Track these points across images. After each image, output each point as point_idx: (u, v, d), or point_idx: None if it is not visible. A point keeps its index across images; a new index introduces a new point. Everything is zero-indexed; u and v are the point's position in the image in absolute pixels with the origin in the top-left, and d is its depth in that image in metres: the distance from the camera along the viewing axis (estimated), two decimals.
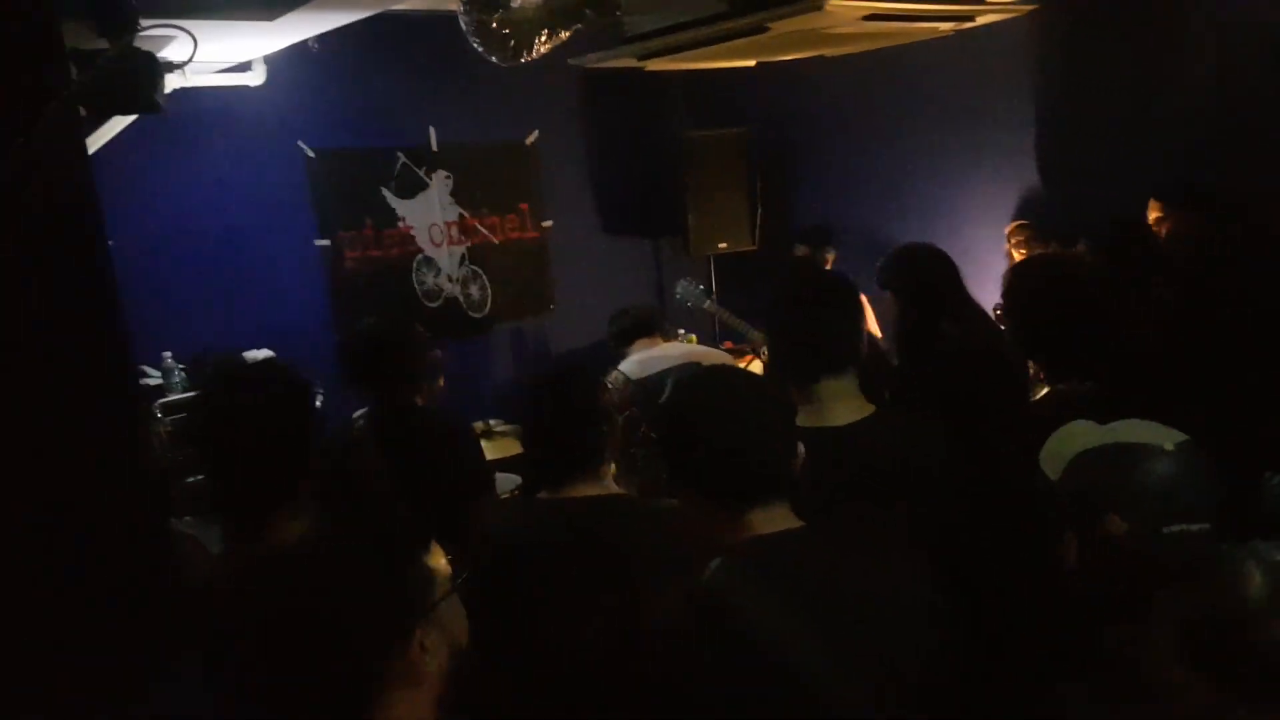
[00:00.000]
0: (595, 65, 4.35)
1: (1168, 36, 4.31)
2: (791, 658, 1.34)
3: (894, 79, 5.33)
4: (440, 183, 5.54)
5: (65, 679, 1.36)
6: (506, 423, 4.28)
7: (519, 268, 5.93)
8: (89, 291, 1.44)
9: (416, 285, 5.50)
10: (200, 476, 1.82)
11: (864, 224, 5.70)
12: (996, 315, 3.25)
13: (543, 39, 3.51)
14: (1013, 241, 4.77)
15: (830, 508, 1.61)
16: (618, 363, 4.88)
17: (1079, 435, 1.43)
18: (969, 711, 1.60)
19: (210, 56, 3.77)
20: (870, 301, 3.14)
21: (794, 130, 6.17)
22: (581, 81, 5.94)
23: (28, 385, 1.37)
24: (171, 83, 3.31)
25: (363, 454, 2.82)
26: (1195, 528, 1.25)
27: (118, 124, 3.53)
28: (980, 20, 4.14)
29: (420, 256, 5.51)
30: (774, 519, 1.49)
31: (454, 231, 5.63)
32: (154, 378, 4.18)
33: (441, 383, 3.00)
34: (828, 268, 5.43)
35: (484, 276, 5.77)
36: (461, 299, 5.69)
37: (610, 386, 2.68)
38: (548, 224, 6.03)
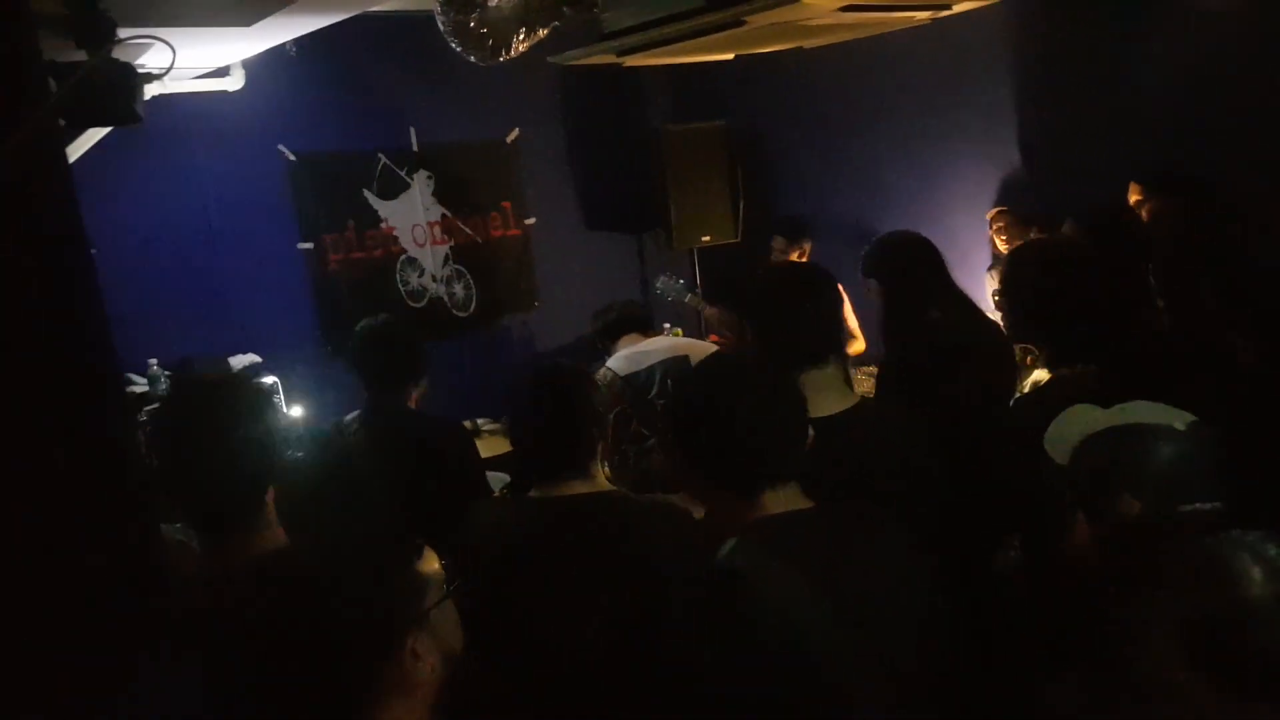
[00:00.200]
0: (574, 62, 4.34)
1: (1144, 21, 4.34)
2: (806, 631, 1.37)
3: (873, 69, 5.34)
4: (422, 183, 5.53)
5: (56, 682, 1.36)
6: (494, 421, 4.29)
7: (503, 266, 5.93)
8: (73, 301, 1.44)
9: (401, 286, 5.49)
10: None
11: (846, 213, 5.73)
12: (995, 302, 3.26)
13: (521, 37, 3.51)
14: (994, 228, 4.80)
15: (817, 498, 1.63)
16: (603, 358, 4.90)
17: (1084, 418, 1.44)
18: (967, 696, 1.62)
19: (188, 62, 3.76)
20: (851, 291, 3.15)
21: (774, 122, 6.18)
22: (561, 79, 5.94)
23: (12, 395, 1.37)
24: (150, 90, 3.29)
25: (356, 458, 2.83)
26: (1208, 506, 1.26)
27: (97, 132, 3.52)
28: (957, 8, 4.14)
29: (404, 257, 5.50)
30: (786, 499, 1.54)
31: (437, 231, 5.63)
32: (140, 385, 4.17)
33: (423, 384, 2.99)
34: (804, 258, 5.46)
35: (468, 275, 5.77)
36: (446, 298, 5.69)
37: (600, 383, 2.70)
38: (530, 221, 6.03)
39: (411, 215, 5.51)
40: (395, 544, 1.30)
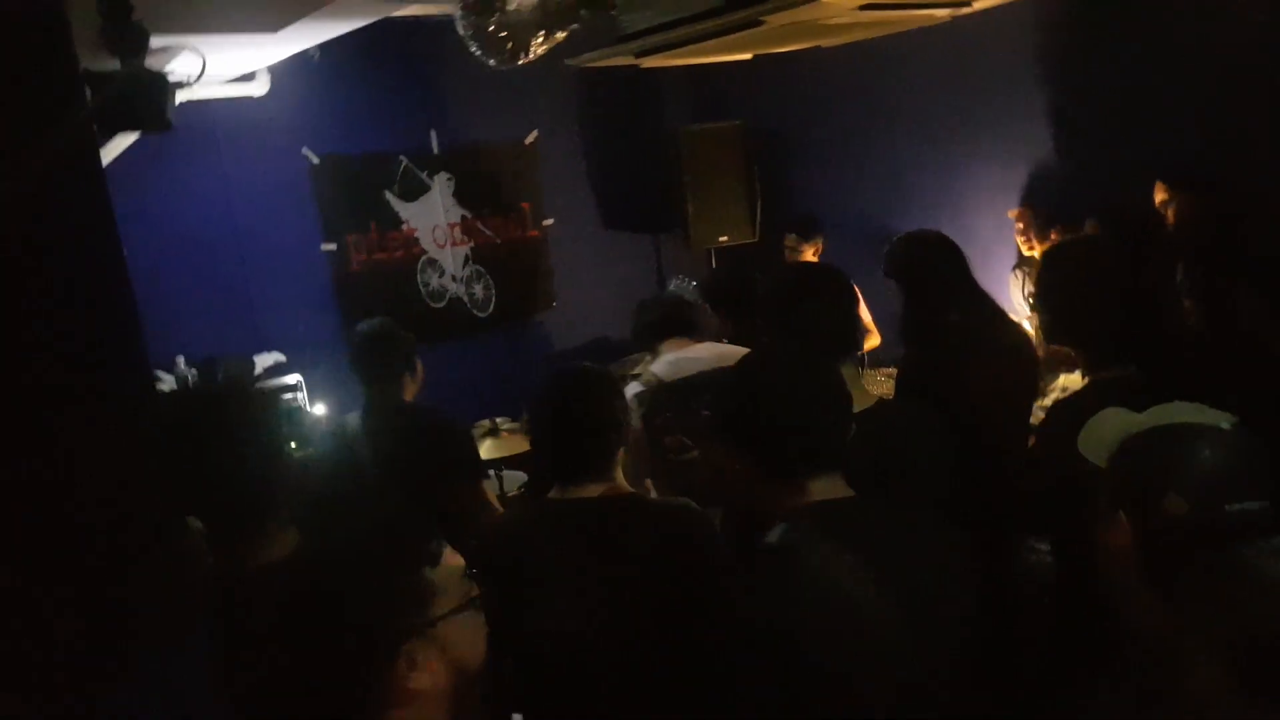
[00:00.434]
0: (592, 64, 4.37)
1: (1166, 18, 4.30)
2: (857, 608, 1.42)
3: (892, 68, 5.33)
4: (442, 185, 5.58)
5: (63, 674, 1.39)
6: (512, 420, 4.33)
7: (522, 266, 5.97)
8: (106, 302, 1.48)
9: (421, 286, 5.54)
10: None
11: (865, 213, 5.72)
12: (1030, 305, 3.21)
13: (539, 40, 3.54)
14: (1017, 228, 4.76)
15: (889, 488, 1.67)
16: (621, 356, 4.92)
17: (1121, 420, 1.43)
18: (999, 690, 1.63)
19: (216, 69, 3.82)
20: (869, 290, 3.14)
21: (792, 121, 6.18)
22: (579, 81, 5.97)
23: (48, 393, 1.41)
24: (179, 95, 3.36)
25: (358, 453, 2.91)
26: (1255, 506, 1.24)
27: (128, 137, 3.58)
28: (977, 5, 4.14)
29: (424, 258, 5.55)
30: (831, 488, 1.59)
31: (457, 232, 5.67)
32: (167, 382, 4.24)
33: (420, 377, 3.21)
34: (818, 256, 5.45)
35: (488, 276, 5.81)
36: (466, 299, 5.74)
37: (641, 386, 2.70)
38: (549, 222, 6.07)
39: (432, 217, 5.56)
40: (401, 549, 1.28)
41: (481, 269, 5.79)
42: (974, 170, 5.24)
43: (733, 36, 3.79)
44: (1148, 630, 1.32)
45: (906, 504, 1.68)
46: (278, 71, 4.24)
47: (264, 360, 4.58)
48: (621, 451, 2.10)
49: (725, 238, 6.05)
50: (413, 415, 3.11)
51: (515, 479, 4.30)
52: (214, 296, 4.67)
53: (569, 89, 6.06)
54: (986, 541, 2.13)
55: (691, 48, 4.03)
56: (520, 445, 4.09)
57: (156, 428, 1.69)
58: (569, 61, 4.47)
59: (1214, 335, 2.81)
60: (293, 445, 3.88)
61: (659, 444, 2.47)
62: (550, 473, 2.07)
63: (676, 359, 3.12)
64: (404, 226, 5.46)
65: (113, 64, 2.06)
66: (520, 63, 3.61)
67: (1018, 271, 4.80)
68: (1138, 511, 1.32)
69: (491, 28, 3.45)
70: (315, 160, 5.11)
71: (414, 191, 5.47)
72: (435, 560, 1.28)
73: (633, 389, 2.71)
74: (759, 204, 6.09)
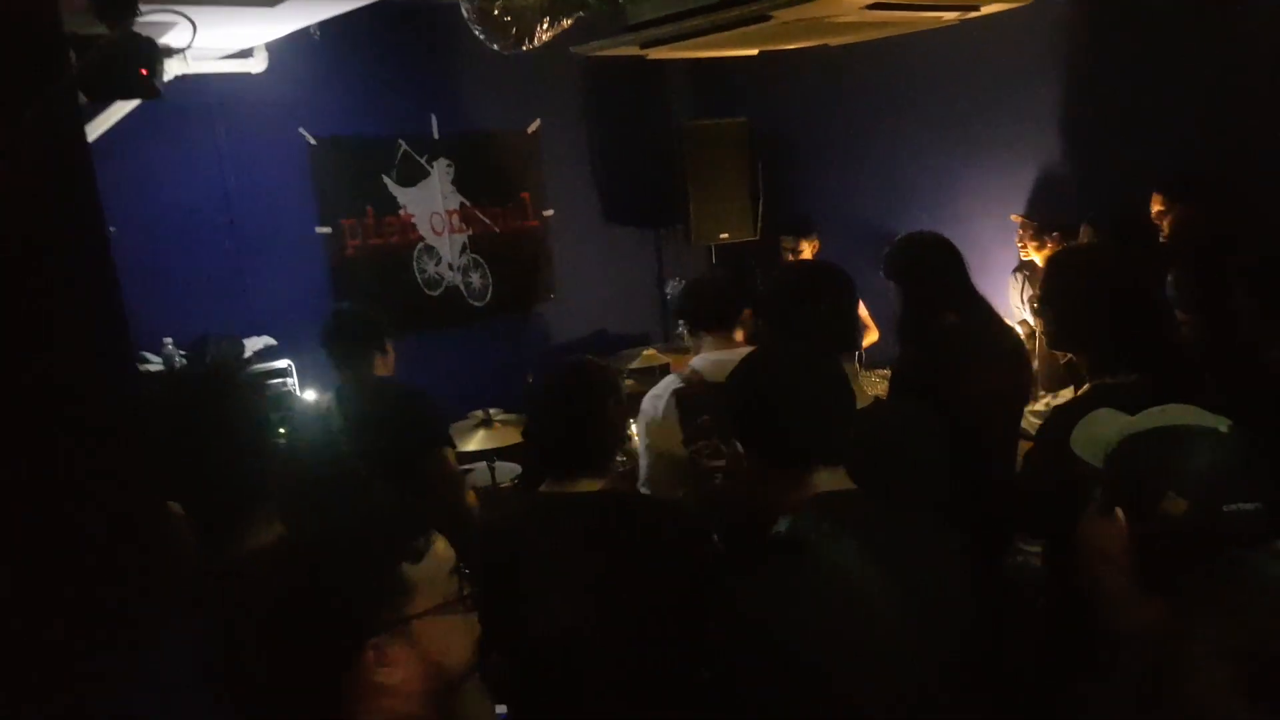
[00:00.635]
0: (597, 53, 4.33)
1: (1171, 26, 4.28)
2: (865, 595, 1.46)
3: (898, 69, 5.31)
4: (441, 171, 5.53)
5: (56, 657, 1.35)
6: (506, 411, 4.28)
7: (520, 257, 5.92)
8: (87, 278, 1.43)
9: (417, 273, 5.50)
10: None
11: (866, 213, 5.70)
12: (1033, 309, 3.22)
13: (544, 26, 3.49)
14: (1019, 232, 4.75)
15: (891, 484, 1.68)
16: (620, 350, 4.89)
17: (1116, 420, 1.44)
18: (998, 687, 1.65)
19: (212, 43, 3.76)
20: (867, 290, 3.12)
21: (796, 120, 6.15)
22: (583, 70, 5.93)
23: (26, 372, 1.37)
24: (173, 69, 3.31)
25: (334, 433, 2.95)
26: (1251, 506, 1.26)
27: (120, 110, 3.53)
28: (985, 10, 4.11)
29: (421, 245, 5.50)
30: (835, 480, 1.63)
31: (455, 220, 5.63)
32: (155, 364, 4.19)
33: (392, 354, 3.35)
34: (812, 256, 5.43)
35: (485, 265, 5.77)
36: (462, 287, 5.69)
37: (681, 383, 2.64)
38: (549, 213, 6.03)
39: (430, 203, 5.51)
40: (381, 542, 1.26)
41: (479, 258, 5.74)
42: (976, 174, 5.22)
43: (739, 31, 3.76)
44: (1141, 631, 1.31)
45: (906, 502, 1.68)
46: (276, 49, 4.17)
47: (254, 344, 4.53)
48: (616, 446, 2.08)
49: (726, 235, 6.02)
50: (379, 387, 3.27)
51: (509, 470, 4.26)
52: (205, 277, 4.63)
53: (573, 78, 6.01)
54: (979, 542, 2.12)
55: (698, 41, 4.00)
56: (514, 437, 4.04)
57: (141, 411, 1.65)
58: (574, 49, 4.43)
59: (1210, 346, 2.81)
60: (281, 431, 3.85)
61: (694, 445, 2.42)
62: (544, 466, 2.05)
63: (721, 358, 2.84)
64: (401, 212, 5.41)
65: (100, 29, 2.01)
66: (524, 49, 3.56)
67: (1017, 275, 4.80)
68: (1135, 510, 1.33)
69: (496, 11, 3.40)
70: (312, 141, 5.05)
71: (412, 177, 5.42)
72: (417, 557, 1.25)
73: (670, 385, 2.65)
74: (761, 202, 6.05)
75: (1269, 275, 2.56)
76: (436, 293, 5.58)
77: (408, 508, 1.39)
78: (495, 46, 3.50)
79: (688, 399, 2.56)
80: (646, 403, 2.67)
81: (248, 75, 4.21)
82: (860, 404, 2.04)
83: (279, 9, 3.22)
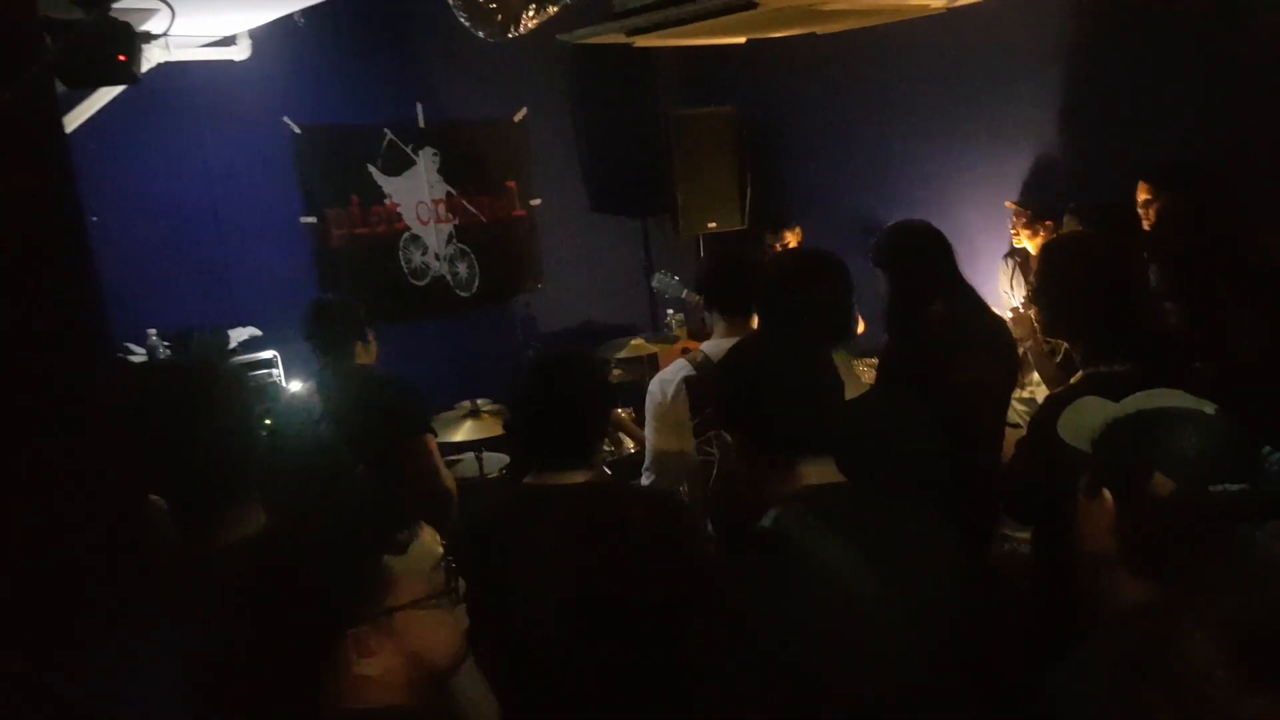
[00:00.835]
0: (584, 41, 4.31)
1: (1164, 13, 4.28)
2: (848, 591, 1.45)
3: (887, 58, 5.30)
4: (428, 160, 5.49)
5: (31, 651, 1.34)
6: (493, 401, 4.26)
7: (507, 246, 5.90)
8: (65, 268, 1.41)
9: (404, 263, 5.47)
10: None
11: (855, 202, 5.69)
12: (1027, 297, 3.23)
13: (530, 14, 3.47)
14: (1013, 219, 4.74)
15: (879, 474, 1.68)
16: (604, 341, 4.87)
17: (1101, 406, 1.46)
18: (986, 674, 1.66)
19: (194, 30, 3.72)
20: (856, 279, 3.12)
21: (785, 109, 6.13)
22: (570, 59, 5.90)
23: (2, 364, 1.35)
24: (155, 57, 3.27)
25: (317, 423, 2.94)
26: (1237, 488, 1.28)
27: (101, 99, 3.49)
28: None
29: (407, 234, 5.47)
30: (822, 471, 1.62)
31: (441, 209, 5.59)
32: (139, 355, 4.15)
33: (372, 344, 3.39)
34: (796, 243, 5.42)
35: (471, 255, 5.74)
36: (449, 277, 5.66)
37: (692, 369, 2.61)
38: (536, 202, 6.00)
39: (416, 192, 5.47)
40: (364, 534, 1.25)
41: (465, 247, 5.72)
42: (964, 163, 5.22)
43: (726, 18, 3.74)
44: (1129, 611, 1.33)
45: (895, 491, 1.67)
46: (260, 36, 4.13)
47: (239, 335, 4.50)
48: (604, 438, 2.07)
49: (714, 224, 6.00)
50: (360, 376, 3.29)
51: (496, 461, 4.25)
52: (189, 267, 4.59)
53: (560, 67, 5.98)
54: (967, 530, 2.13)
55: (685, 28, 3.98)
56: (502, 427, 4.03)
57: (123, 402, 1.64)
58: (561, 37, 4.40)
59: (1197, 337, 2.83)
60: (266, 422, 3.83)
61: (703, 435, 2.40)
62: (529, 458, 2.03)
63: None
64: (387, 201, 5.37)
65: (77, 14, 1.98)
66: (510, 36, 3.53)
67: (1008, 260, 4.81)
68: (1122, 492, 1.35)
69: None
70: (297, 130, 5.01)
71: (398, 166, 5.39)
72: (400, 549, 1.24)
73: (681, 370, 2.62)
74: (749, 191, 6.04)
75: (1255, 276, 2.58)
76: (423, 282, 5.55)
77: (392, 499, 1.38)
78: (481, 34, 3.47)
79: (697, 386, 2.53)
80: (655, 386, 2.63)
81: (231, 63, 4.16)
82: (856, 392, 2.04)
83: None
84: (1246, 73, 3.99)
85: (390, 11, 5.02)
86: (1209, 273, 2.86)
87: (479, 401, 4.25)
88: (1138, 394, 1.44)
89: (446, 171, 5.58)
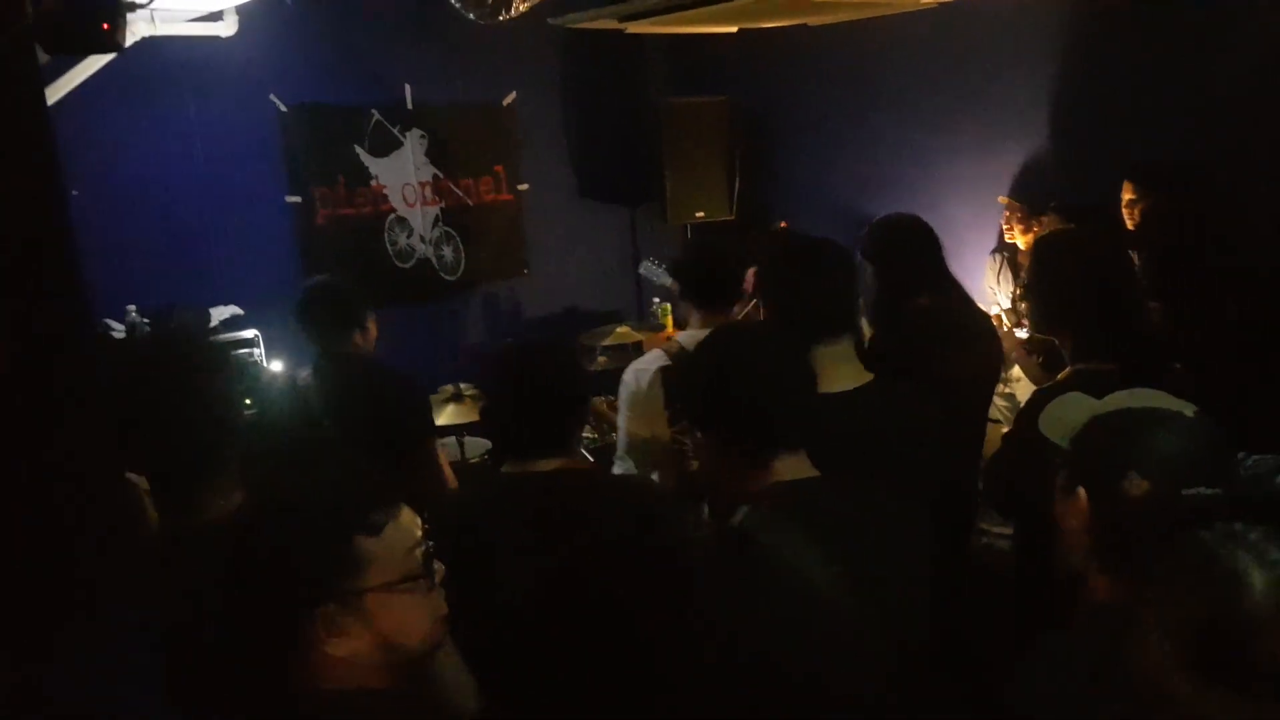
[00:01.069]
0: (575, 26, 4.29)
1: (1155, 14, 4.29)
2: (815, 593, 1.43)
3: (878, 51, 5.29)
4: (415, 142, 5.46)
5: (12, 625, 1.32)
6: (477, 386, 4.24)
7: (493, 231, 5.86)
8: (44, 240, 1.39)
9: (389, 245, 5.43)
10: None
11: (844, 195, 5.69)
12: (1017, 292, 3.24)
13: None
14: (1005, 214, 4.74)
15: (829, 472, 1.64)
16: (592, 327, 4.85)
17: (1082, 403, 1.46)
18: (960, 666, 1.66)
19: (180, 4, 3.67)
20: None
21: (775, 99, 6.12)
22: (561, 44, 5.86)
23: None
24: (140, 31, 3.22)
25: (309, 409, 2.86)
26: (1210, 492, 1.27)
27: (85, 71, 3.44)
28: None
29: (393, 216, 5.43)
30: (795, 467, 1.58)
31: (428, 192, 5.56)
32: (118, 331, 4.11)
33: (374, 331, 3.15)
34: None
35: (457, 238, 5.71)
36: (434, 260, 5.63)
37: (666, 360, 2.60)
38: (523, 187, 5.97)
39: (402, 174, 5.44)
40: (338, 514, 1.24)
41: (451, 231, 5.68)
42: (954, 158, 5.22)
43: (719, 7, 3.73)
44: (1100, 608, 1.34)
45: (871, 485, 1.66)
46: (247, 12, 4.08)
47: (220, 313, 4.46)
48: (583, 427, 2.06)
49: (702, 214, 6.00)
50: (365, 371, 3.07)
51: (478, 446, 4.23)
52: (171, 244, 4.54)
53: (551, 51, 5.94)
54: (947, 524, 2.14)
55: (677, 16, 3.97)
56: None
57: (102, 378, 1.62)
58: (552, 21, 4.38)
59: (1180, 338, 2.85)
60: (246, 402, 3.79)
61: (679, 425, 2.39)
62: (507, 446, 2.02)
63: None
64: (373, 183, 5.33)
65: None
66: (502, 19, 3.51)
67: (996, 256, 4.81)
68: (1097, 490, 1.35)
69: None
70: (283, 108, 4.96)
71: (385, 147, 5.35)
72: (375, 530, 1.23)
73: (656, 360, 2.60)
74: (738, 181, 6.03)
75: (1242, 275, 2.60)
76: (408, 265, 5.52)
77: (370, 480, 1.36)
78: (472, 16, 3.45)
79: (672, 376, 2.53)
80: (629, 375, 2.63)
81: (217, 39, 4.11)
82: (861, 380, 2.05)
83: None
84: (1236, 73, 4.00)
85: None
86: (1192, 273, 2.88)
87: (462, 386, 4.24)
88: (1119, 393, 1.45)
89: (434, 154, 5.54)
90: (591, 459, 3.57)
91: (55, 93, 3.27)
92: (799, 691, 1.40)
